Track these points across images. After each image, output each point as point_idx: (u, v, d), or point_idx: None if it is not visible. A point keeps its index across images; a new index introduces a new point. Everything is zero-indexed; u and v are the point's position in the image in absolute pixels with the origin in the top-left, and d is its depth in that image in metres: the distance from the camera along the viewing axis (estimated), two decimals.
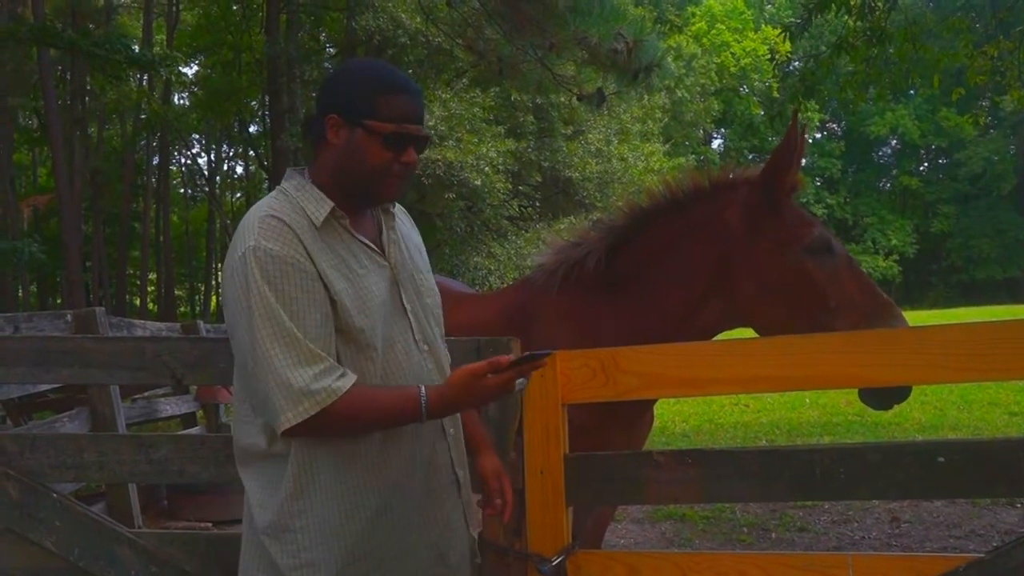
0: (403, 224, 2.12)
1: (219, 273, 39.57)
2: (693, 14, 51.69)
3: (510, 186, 19.60)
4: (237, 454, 1.95)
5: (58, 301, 28.36)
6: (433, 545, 1.99)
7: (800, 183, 2.84)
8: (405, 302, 2.00)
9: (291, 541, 1.82)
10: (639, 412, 3.01)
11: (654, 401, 3.11)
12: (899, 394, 2.71)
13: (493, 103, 19.69)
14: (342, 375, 1.76)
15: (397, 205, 2.11)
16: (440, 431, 2.03)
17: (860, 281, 2.71)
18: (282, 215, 1.82)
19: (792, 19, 10.12)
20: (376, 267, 1.93)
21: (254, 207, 1.87)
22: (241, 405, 1.92)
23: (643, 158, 24.44)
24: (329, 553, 1.82)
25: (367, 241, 1.95)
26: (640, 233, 2.94)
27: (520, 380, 1.84)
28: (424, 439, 1.97)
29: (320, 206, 1.87)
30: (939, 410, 10.94)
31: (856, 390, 2.71)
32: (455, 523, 2.06)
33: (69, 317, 5.36)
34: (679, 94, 39.55)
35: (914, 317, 33.48)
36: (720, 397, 12.46)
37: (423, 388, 1.81)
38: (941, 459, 2.11)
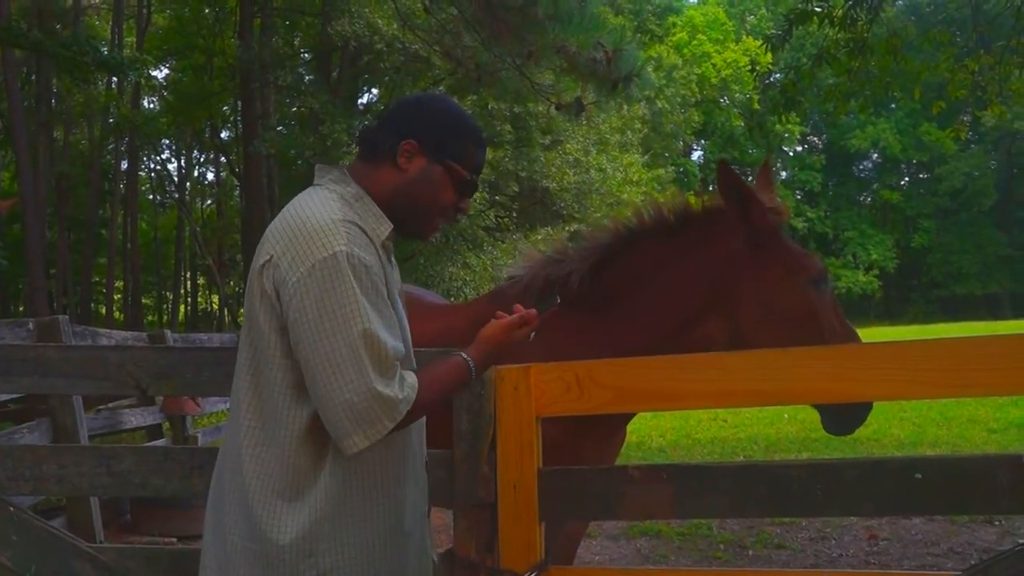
0: None
1: (188, 281, 39.36)
2: (674, 24, 52.05)
3: (487, 196, 19.60)
4: (254, 466, 1.84)
5: (20, 309, 28.03)
6: (416, 571, 2.01)
7: (783, 212, 2.94)
8: (408, 328, 2.06)
9: (312, 566, 1.79)
10: (613, 429, 3.01)
11: (629, 419, 3.12)
12: (858, 417, 2.86)
13: (470, 111, 19.64)
14: (404, 365, 1.84)
15: None
16: (423, 461, 2.09)
17: (839, 312, 2.87)
18: (361, 224, 1.83)
19: (774, 30, 10.22)
20: (398, 294, 2.01)
21: (314, 206, 1.82)
22: (247, 415, 1.85)
23: (622, 169, 24.54)
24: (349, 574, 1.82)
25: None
26: (628, 252, 2.97)
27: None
28: (419, 466, 2.03)
29: (381, 225, 1.90)
30: (918, 427, 11.03)
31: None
32: (428, 550, 2.10)
33: (31, 325, 5.30)
34: (659, 105, 39.68)
35: (894, 332, 33.74)
36: (697, 412, 12.51)
37: (463, 353, 1.95)
38: (918, 476, 2.12)
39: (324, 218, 1.77)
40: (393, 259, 2.06)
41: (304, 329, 1.72)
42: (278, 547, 1.78)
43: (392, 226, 1.91)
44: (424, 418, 2.10)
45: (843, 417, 2.89)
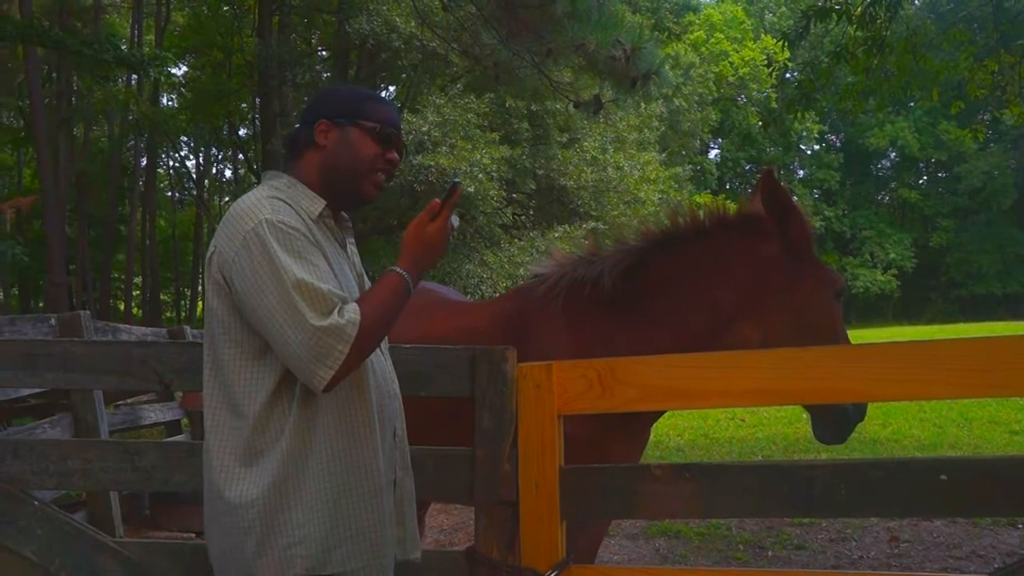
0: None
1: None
2: (692, 22, 51.88)
3: (504, 194, 19.57)
4: (216, 441, 1.98)
5: (40, 305, 28.22)
6: (391, 540, 2.12)
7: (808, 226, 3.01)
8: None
9: (287, 521, 1.90)
10: (639, 428, 3.01)
11: (655, 418, 3.12)
12: (852, 424, 2.90)
13: (487, 109, 19.69)
14: (346, 303, 1.91)
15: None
16: (393, 430, 2.17)
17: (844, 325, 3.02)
18: (288, 200, 1.99)
19: (792, 27, 10.16)
20: (350, 272, 2.14)
21: (246, 197, 2.00)
22: (212, 402, 2.00)
23: (639, 167, 24.43)
24: (318, 528, 1.93)
25: (343, 246, 2.17)
26: (662, 254, 2.99)
27: (454, 217, 2.09)
28: (385, 434, 2.12)
29: (313, 203, 2.07)
30: (938, 427, 10.95)
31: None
32: (391, 519, 2.14)
33: (53, 321, 5.33)
34: (676, 103, 39.60)
35: (912, 333, 33.47)
36: (715, 411, 12.46)
37: (395, 267, 2.03)
38: (944, 477, 2.11)
39: (251, 200, 1.97)
40: (352, 247, 2.24)
41: (249, 295, 1.88)
42: (247, 504, 1.91)
43: (325, 202, 2.07)
44: (394, 389, 2.20)
45: (837, 424, 2.90)
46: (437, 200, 2.08)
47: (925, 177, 60.45)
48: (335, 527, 1.95)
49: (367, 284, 2.22)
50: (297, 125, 2.19)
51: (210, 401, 2.00)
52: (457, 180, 2.17)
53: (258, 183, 2.16)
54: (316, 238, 1.98)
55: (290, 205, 1.99)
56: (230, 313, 1.95)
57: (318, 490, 1.93)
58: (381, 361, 2.18)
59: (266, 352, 1.93)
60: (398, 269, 2.02)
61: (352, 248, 2.23)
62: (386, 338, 2.20)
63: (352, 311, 1.87)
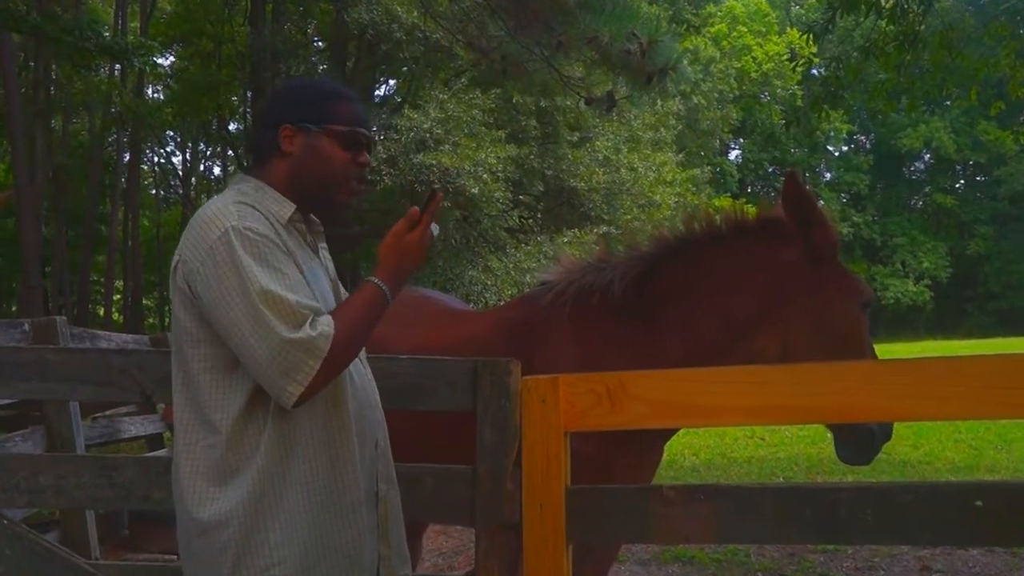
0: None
1: None
2: (712, 15, 51.86)
3: (510, 195, 19.59)
4: (187, 459, 1.99)
5: (13, 309, 28.25)
6: (374, 550, 2.13)
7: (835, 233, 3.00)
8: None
9: (263, 542, 1.92)
10: (649, 445, 3.00)
11: (668, 436, 3.11)
12: (878, 444, 2.87)
13: (493, 105, 19.70)
14: (319, 314, 1.93)
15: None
16: (375, 442, 2.18)
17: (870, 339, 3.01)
18: (256, 205, 2.00)
19: (818, 19, 10.14)
20: (324, 278, 2.15)
21: (212, 203, 2.03)
22: (182, 415, 2.01)
23: (654, 168, 24.43)
24: (298, 548, 1.94)
25: (314, 251, 2.17)
26: (676, 261, 2.99)
27: (434, 225, 2.12)
28: (365, 446, 2.13)
29: (283, 207, 2.08)
30: (975, 449, 10.90)
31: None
32: (370, 534, 2.14)
33: (27, 326, 5.33)
34: (695, 100, 39.58)
35: (947, 347, 33.33)
36: (734, 429, 12.43)
37: (372, 278, 2.06)
38: (979, 503, 2.09)
39: (217, 206, 1.99)
40: (326, 253, 2.24)
41: (215, 307, 1.90)
42: (222, 524, 1.92)
43: (295, 206, 2.08)
44: (374, 399, 2.22)
45: (861, 443, 2.88)
46: (416, 208, 2.10)
47: (962, 181, 60.32)
48: (314, 544, 1.96)
49: (342, 291, 2.24)
50: (258, 129, 2.19)
51: (180, 416, 2.01)
52: (437, 186, 2.19)
53: None
54: (287, 245, 2.01)
55: (258, 210, 2.00)
56: (198, 325, 1.97)
57: (296, 507, 1.95)
58: (360, 369, 2.19)
59: (237, 365, 1.94)
60: (376, 280, 2.04)
61: (325, 253, 2.25)
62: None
63: (325, 324, 1.89)
